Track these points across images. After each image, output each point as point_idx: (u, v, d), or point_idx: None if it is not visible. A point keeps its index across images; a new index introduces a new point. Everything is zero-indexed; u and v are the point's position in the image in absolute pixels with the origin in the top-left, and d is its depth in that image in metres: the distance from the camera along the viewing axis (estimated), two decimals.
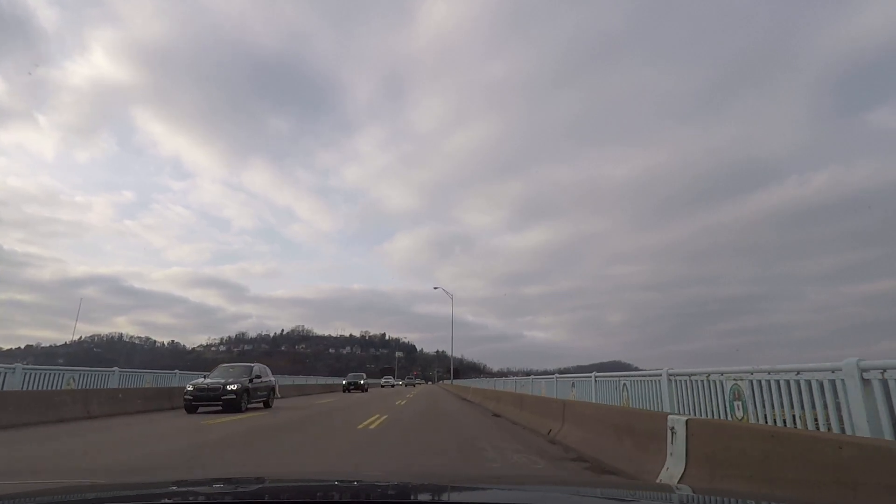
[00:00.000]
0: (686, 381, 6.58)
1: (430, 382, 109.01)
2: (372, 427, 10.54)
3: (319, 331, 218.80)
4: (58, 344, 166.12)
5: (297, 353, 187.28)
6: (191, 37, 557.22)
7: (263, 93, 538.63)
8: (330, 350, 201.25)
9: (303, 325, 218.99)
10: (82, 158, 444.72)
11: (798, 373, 4.60)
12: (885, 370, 3.68)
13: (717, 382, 5.86)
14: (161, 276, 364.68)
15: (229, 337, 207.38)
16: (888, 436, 3.59)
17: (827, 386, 4.21)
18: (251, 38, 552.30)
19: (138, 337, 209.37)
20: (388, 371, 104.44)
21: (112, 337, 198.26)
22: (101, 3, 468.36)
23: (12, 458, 6.85)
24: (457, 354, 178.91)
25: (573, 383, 12.20)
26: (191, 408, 14.82)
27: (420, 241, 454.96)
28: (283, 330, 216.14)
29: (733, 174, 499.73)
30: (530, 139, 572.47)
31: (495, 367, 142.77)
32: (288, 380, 32.98)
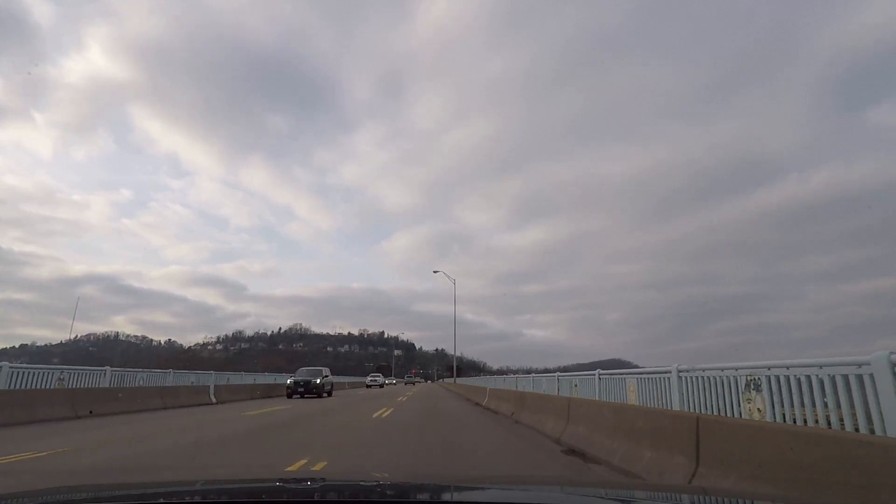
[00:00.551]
0: (698, 377, 6.31)
1: (429, 381, 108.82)
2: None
3: (317, 329, 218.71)
4: (53, 343, 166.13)
5: (294, 351, 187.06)
6: (188, 33, 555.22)
7: (261, 90, 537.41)
8: (328, 349, 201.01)
9: (300, 324, 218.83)
10: (80, 156, 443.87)
11: (821, 367, 4.34)
12: None
13: (731, 379, 5.60)
14: (159, 274, 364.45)
15: (226, 335, 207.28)
16: None
17: (854, 381, 3.95)
18: (249, 35, 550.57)
19: (135, 336, 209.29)
20: (384, 369, 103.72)
21: (108, 336, 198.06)
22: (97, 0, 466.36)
23: None
24: (457, 353, 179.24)
25: (576, 382, 11.96)
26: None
27: (419, 240, 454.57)
28: (280, 328, 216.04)
29: (733, 172, 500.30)
30: (530, 137, 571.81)
31: (494, 366, 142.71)
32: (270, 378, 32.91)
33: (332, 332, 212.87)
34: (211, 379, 24.18)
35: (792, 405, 4.61)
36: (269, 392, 26.04)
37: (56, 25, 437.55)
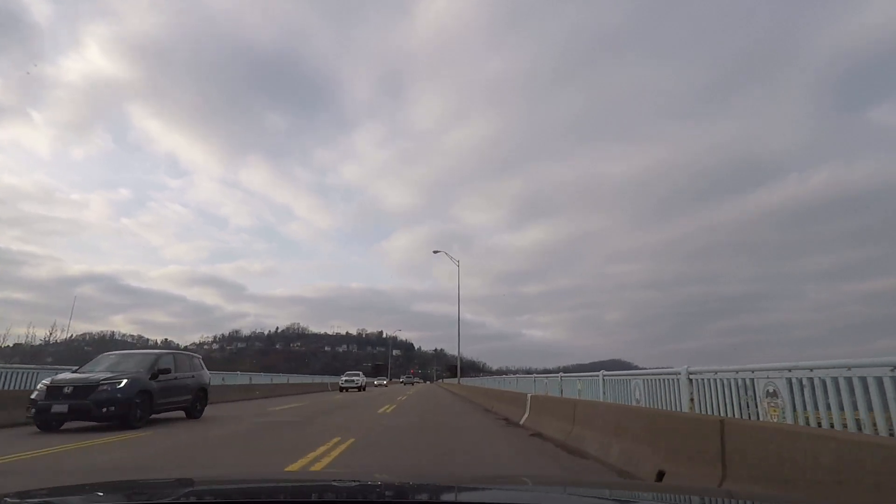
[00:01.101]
0: (709, 380, 6.00)
1: (428, 382, 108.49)
2: None
3: (316, 329, 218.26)
4: (49, 342, 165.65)
5: (291, 351, 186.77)
6: (187, 32, 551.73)
7: (261, 89, 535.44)
8: (326, 348, 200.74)
9: (298, 323, 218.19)
10: (78, 156, 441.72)
11: (849, 368, 4.03)
12: None
13: (748, 382, 5.28)
14: (158, 274, 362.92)
15: (223, 335, 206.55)
16: None
17: (888, 384, 3.63)
18: (248, 33, 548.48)
19: (131, 335, 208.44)
20: (380, 369, 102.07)
21: (104, 335, 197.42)
22: None
23: None
24: (455, 353, 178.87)
25: (579, 382, 11.66)
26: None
27: (418, 240, 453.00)
28: (278, 328, 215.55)
29: (733, 172, 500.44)
30: (530, 137, 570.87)
31: (494, 366, 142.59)
32: (271, 378, 32.78)
33: (330, 332, 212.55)
34: (237, 378, 25.07)
35: (816, 409, 4.29)
36: (267, 393, 25.78)
37: (54, 24, 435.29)
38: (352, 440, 8.36)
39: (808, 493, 2.88)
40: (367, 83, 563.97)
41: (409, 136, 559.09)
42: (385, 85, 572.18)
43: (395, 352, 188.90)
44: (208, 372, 13.93)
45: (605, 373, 10.01)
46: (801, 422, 4.42)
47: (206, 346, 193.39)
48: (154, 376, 10.85)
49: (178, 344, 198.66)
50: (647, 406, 7.61)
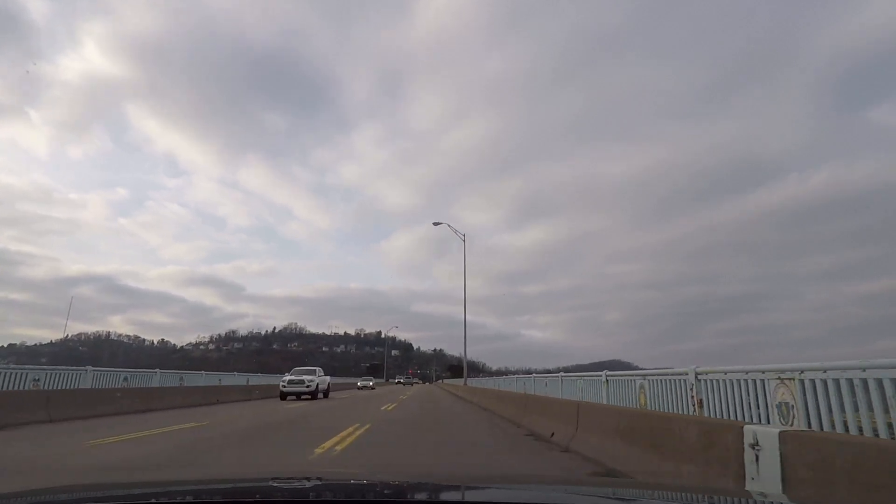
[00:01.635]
0: (718, 381, 5.89)
1: (426, 382, 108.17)
2: None
3: (314, 329, 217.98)
4: (43, 342, 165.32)
5: (289, 351, 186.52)
6: (185, 31, 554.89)
7: (259, 89, 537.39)
8: (323, 348, 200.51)
9: (296, 323, 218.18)
10: (76, 155, 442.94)
11: (864, 369, 3.92)
12: None
13: (758, 382, 5.17)
14: (157, 274, 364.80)
15: (219, 335, 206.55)
16: None
17: None
18: (246, 32, 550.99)
19: (127, 336, 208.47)
20: (376, 369, 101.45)
21: (99, 335, 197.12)
22: None
23: None
24: (454, 353, 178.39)
25: (580, 383, 11.54)
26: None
27: (418, 240, 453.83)
28: (275, 328, 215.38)
29: (733, 172, 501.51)
30: (529, 136, 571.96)
31: (494, 366, 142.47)
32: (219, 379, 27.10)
33: (328, 332, 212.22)
34: (201, 379, 23.68)
35: (830, 411, 4.19)
36: (248, 395, 25.27)
37: (51, 22, 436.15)
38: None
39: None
40: (367, 83, 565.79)
41: (409, 135, 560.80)
42: (384, 85, 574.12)
43: (393, 352, 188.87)
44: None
45: (609, 373, 9.89)
46: (815, 424, 4.31)
47: (201, 347, 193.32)
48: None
49: (174, 344, 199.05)
50: (652, 408, 7.50)
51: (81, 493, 1.53)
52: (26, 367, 14.41)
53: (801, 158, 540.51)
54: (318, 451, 7.34)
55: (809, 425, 4.36)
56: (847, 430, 3.98)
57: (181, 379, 22.33)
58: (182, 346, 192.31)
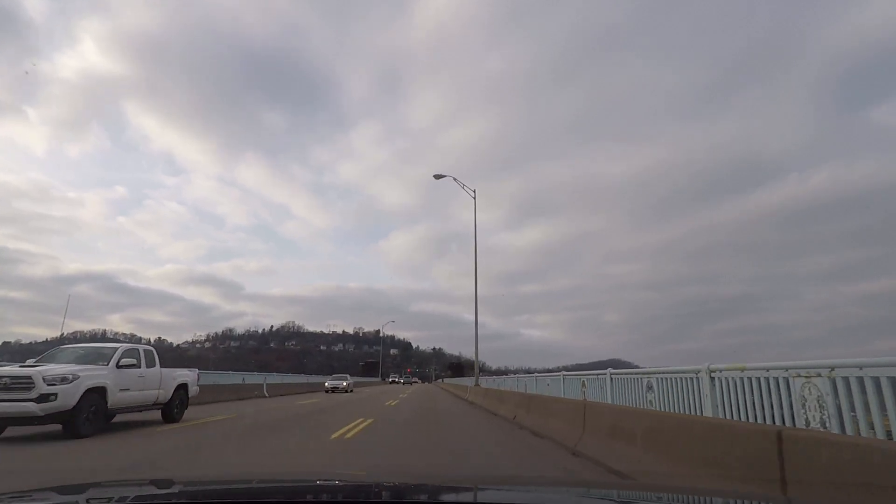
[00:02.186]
0: (735, 379, 5.49)
1: (425, 382, 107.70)
2: None
3: (312, 327, 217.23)
4: (38, 341, 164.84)
5: (286, 350, 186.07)
6: (183, 28, 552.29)
7: (258, 87, 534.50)
8: (321, 347, 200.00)
9: (293, 322, 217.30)
10: (74, 153, 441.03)
11: None
12: None
13: (781, 381, 4.77)
14: (155, 273, 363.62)
15: (215, 333, 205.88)
16: None
17: None
18: (245, 30, 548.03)
19: (123, 333, 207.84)
20: (370, 367, 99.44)
21: (95, 334, 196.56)
22: None
23: None
24: (454, 353, 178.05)
25: (583, 381, 11.17)
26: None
27: (417, 239, 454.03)
28: (272, 326, 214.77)
29: (733, 172, 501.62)
30: (529, 136, 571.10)
31: (493, 366, 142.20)
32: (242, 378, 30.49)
33: (326, 331, 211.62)
34: (262, 378, 25.45)
35: (868, 411, 3.79)
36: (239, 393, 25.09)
37: (49, 20, 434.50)
38: None
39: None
40: (366, 81, 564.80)
41: (408, 134, 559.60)
42: (384, 83, 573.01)
43: (392, 351, 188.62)
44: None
45: (613, 371, 9.52)
46: (849, 427, 3.91)
47: (197, 345, 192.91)
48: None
49: (171, 343, 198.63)
50: (661, 409, 7.11)
51: (79, 492, 1.52)
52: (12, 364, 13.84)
53: (802, 158, 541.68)
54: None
55: (843, 428, 3.96)
56: (890, 434, 3.58)
57: (244, 378, 24.73)
58: (178, 345, 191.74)
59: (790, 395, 4.63)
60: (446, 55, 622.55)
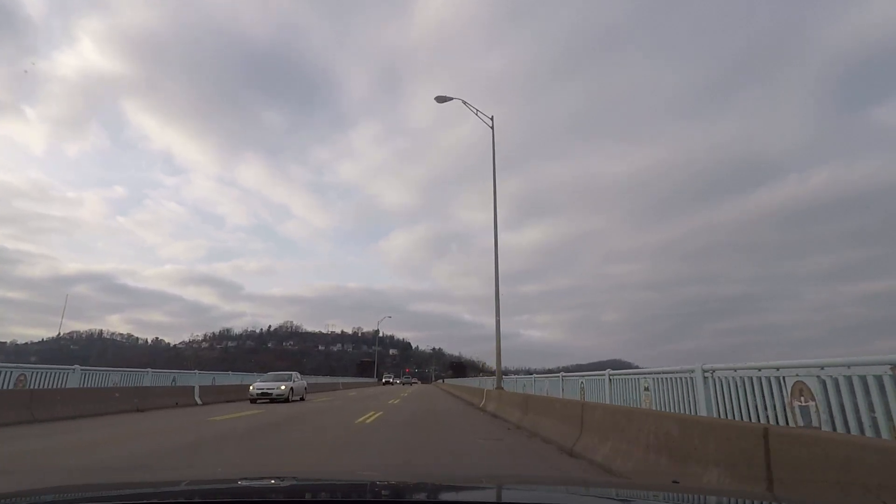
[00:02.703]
0: (729, 378, 5.60)
1: (424, 382, 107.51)
2: None
3: (310, 327, 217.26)
4: (34, 341, 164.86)
5: (284, 350, 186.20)
6: (182, 27, 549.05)
7: (257, 86, 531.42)
8: (319, 347, 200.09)
9: (291, 322, 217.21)
10: (73, 152, 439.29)
11: (893, 366, 3.63)
12: None
13: (773, 380, 4.89)
14: (154, 273, 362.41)
15: (213, 333, 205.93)
16: None
17: None
18: (244, 29, 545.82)
19: (120, 334, 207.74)
20: (365, 366, 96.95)
21: (91, 334, 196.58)
22: None
23: None
24: (454, 352, 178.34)
25: (583, 383, 11.29)
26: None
27: (417, 239, 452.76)
28: (270, 326, 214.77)
29: (734, 171, 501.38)
30: (529, 135, 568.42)
31: (493, 367, 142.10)
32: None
33: (324, 331, 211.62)
34: (195, 379, 23.06)
35: (857, 410, 3.90)
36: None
37: (47, 18, 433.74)
38: None
39: None
40: (365, 80, 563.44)
41: (407, 133, 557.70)
42: (383, 82, 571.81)
43: (391, 351, 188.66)
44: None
45: (612, 372, 9.64)
46: (840, 425, 4.02)
47: (194, 345, 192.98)
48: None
49: (168, 343, 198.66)
50: (657, 409, 7.23)
51: (77, 493, 1.51)
52: (12, 365, 13.97)
53: (802, 158, 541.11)
54: None
55: (834, 426, 4.08)
56: (878, 432, 3.69)
57: (174, 379, 21.68)
58: (175, 345, 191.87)
59: (782, 394, 4.74)
60: (446, 54, 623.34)
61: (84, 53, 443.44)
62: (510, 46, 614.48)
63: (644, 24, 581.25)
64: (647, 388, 7.79)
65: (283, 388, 21.89)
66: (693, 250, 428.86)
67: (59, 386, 14.85)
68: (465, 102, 21.39)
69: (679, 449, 4.41)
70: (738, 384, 5.43)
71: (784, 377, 4.73)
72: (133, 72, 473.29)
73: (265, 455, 7.28)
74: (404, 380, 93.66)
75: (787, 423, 4.59)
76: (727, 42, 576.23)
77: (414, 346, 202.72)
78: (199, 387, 20.71)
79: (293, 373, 25.62)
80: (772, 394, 4.89)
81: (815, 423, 4.26)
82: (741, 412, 5.34)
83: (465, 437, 9.49)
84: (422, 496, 1.52)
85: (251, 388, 22.07)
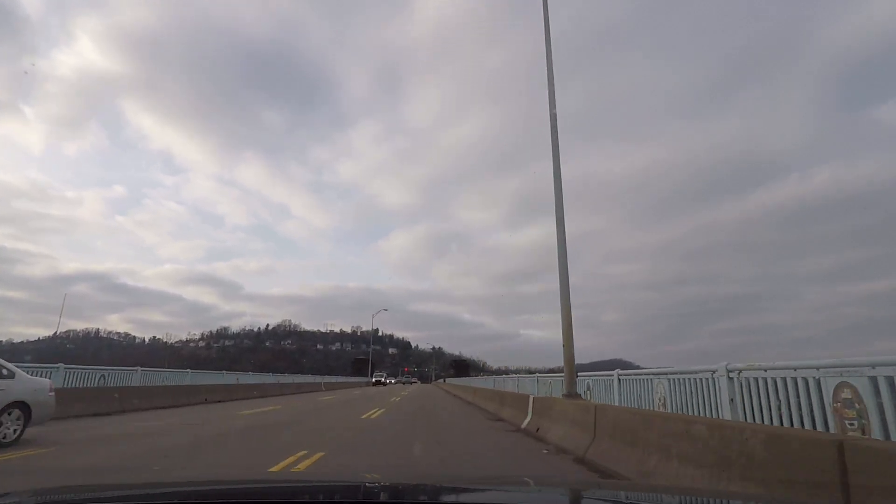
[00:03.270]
0: (759, 379, 5.14)
1: (424, 382, 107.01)
2: None
3: (308, 326, 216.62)
4: (30, 340, 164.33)
5: (282, 349, 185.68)
6: (180, 26, 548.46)
7: (256, 85, 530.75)
8: (318, 346, 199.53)
9: (289, 321, 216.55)
10: (72, 152, 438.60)
11: None
12: None
13: (811, 381, 4.43)
14: (154, 273, 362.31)
15: (210, 332, 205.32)
16: None
17: None
18: (243, 28, 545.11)
19: (117, 333, 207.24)
20: (361, 364, 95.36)
21: (88, 333, 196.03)
22: None
23: None
24: (454, 352, 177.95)
25: (588, 384, 10.86)
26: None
27: (416, 239, 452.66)
28: (268, 325, 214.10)
29: (734, 172, 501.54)
30: (528, 134, 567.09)
31: (494, 366, 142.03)
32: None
33: (323, 330, 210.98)
34: (187, 378, 22.81)
35: None
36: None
37: (45, 17, 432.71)
38: None
39: None
40: (365, 79, 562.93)
41: (407, 133, 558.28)
42: (383, 81, 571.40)
43: (391, 350, 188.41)
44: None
45: (621, 372, 9.20)
46: (893, 433, 3.57)
47: (191, 344, 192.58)
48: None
49: (165, 342, 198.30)
50: (674, 412, 6.78)
51: (78, 493, 1.53)
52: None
53: (802, 158, 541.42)
54: None
55: (886, 434, 3.62)
56: None
57: (164, 378, 21.37)
58: (171, 344, 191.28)
59: (821, 396, 4.28)
60: (446, 53, 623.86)
61: (83, 52, 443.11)
62: (510, 45, 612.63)
63: (644, 23, 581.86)
64: (662, 399, 7.34)
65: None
66: (693, 250, 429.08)
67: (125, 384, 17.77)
68: None
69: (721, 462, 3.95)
70: (771, 385, 4.97)
71: (823, 378, 4.27)
72: (132, 71, 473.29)
73: None
74: (404, 379, 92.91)
75: (828, 429, 4.15)
76: (727, 42, 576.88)
77: (413, 345, 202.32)
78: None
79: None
80: (808, 396, 4.44)
81: (864, 430, 3.80)
82: (773, 416, 4.88)
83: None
84: (423, 497, 1.51)
85: None
